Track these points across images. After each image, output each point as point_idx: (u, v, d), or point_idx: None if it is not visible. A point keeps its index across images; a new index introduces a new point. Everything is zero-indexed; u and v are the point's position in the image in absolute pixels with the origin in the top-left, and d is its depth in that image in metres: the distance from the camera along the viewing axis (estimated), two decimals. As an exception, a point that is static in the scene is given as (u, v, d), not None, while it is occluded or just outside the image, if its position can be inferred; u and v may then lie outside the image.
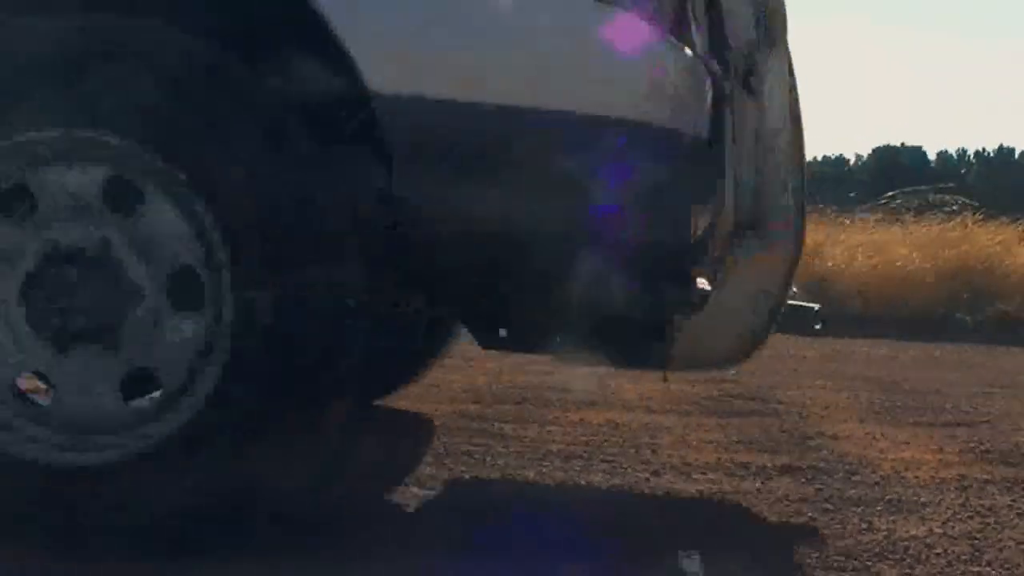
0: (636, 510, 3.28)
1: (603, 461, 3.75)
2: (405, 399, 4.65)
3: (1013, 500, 3.50)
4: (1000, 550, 3.00)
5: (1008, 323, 9.47)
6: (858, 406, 5.19)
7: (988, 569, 2.84)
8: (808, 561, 2.81)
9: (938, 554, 2.92)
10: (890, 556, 2.88)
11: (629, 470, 3.65)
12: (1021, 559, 2.94)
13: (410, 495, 3.27)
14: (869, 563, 2.82)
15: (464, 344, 6.89)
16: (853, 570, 2.76)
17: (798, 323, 3.80)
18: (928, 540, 3.03)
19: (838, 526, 3.13)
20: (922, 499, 3.46)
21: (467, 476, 3.48)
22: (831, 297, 9.67)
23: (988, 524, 3.24)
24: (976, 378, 6.52)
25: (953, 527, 3.18)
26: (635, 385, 5.39)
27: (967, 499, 3.49)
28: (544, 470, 3.60)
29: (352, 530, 2.85)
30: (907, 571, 2.78)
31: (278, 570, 2.49)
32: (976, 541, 3.06)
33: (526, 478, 3.49)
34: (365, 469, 3.50)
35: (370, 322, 2.48)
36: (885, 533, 3.07)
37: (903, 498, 3.46)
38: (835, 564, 2.79)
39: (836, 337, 8.13)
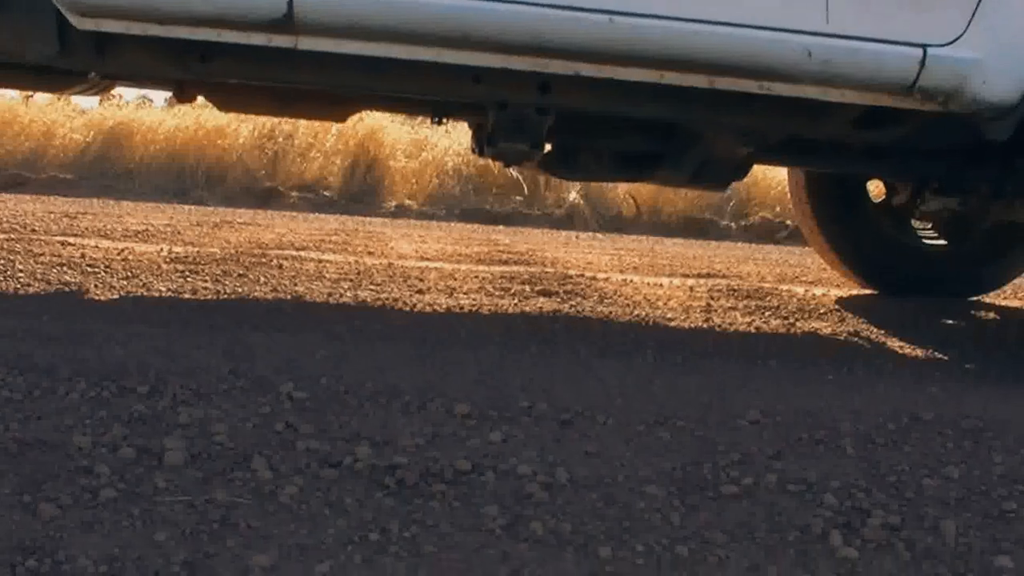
0: (392, 314, 3.45)
1: (372, 284, 3.91)
2: (181, 244, 4.72)
3: (751, 320, 3.79)
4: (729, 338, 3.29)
5: (768, 226, 9.88)
6: (620, 264, 5.45)
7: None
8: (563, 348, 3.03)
9: (678, 342, 3.19)
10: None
11: (395, 290, 3.81)
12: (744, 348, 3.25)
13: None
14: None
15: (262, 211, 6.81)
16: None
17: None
18: (671, 336, 3.29)
19: (582, 329, 3.37)
20: (668, 316, 3.72)
21: (239, 289, 3.60)
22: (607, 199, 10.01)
23: (728, 331, 3.52)
24: (733, 255, 6.86)
25: (696, 332, 3.46)
26: (411, 244, 5.56)
27: (710, 317, 3.76)
28: (314, 287, 3.74)
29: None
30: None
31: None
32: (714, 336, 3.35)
33: (295, 291, 3.63)
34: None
35: None
36: (633, 335, 3.32)
37: (651, 315, 3.71)
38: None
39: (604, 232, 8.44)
